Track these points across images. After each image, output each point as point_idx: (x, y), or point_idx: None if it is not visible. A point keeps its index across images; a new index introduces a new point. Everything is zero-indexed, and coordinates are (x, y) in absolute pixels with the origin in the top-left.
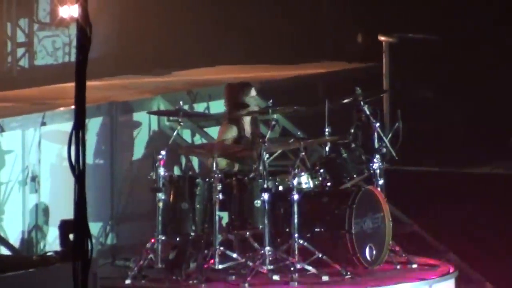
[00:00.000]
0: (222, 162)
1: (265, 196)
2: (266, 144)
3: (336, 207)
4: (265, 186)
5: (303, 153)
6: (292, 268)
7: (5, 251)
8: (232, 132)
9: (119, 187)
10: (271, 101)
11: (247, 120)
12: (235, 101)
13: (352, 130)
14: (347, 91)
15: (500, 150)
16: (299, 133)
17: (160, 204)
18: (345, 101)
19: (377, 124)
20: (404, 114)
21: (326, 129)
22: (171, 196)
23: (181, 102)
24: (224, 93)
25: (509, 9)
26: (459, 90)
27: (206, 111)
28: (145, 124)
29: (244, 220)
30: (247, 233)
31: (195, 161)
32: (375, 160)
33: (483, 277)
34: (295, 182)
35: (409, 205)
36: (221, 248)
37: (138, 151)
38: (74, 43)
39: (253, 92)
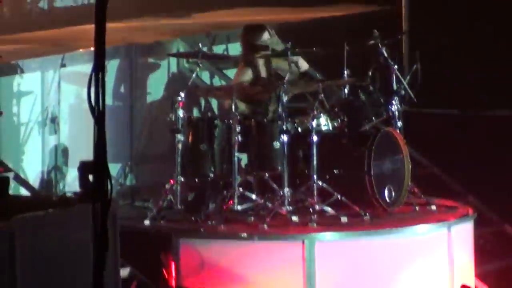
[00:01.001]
0: (241, 106)
1: (284, 137)
2: (284, 85)
3: (355, 149)
4: (284, 127)
5: (322, 95)
6: (311, 210)
7: (24, 192)
8: (248, 75)
9: (138, 128)
10: (289, 43)
11: (261, 62)
12: (249, 43)
13: (371, 73)
14: (365, 34)
15: None
16: (317, 75)
17: (179, 146)
18: (364, 43)
19: (396, 66)
20: (423, 56)
21: (345, 72)
22: (190, 138)
23: (200, 44)
24: (241, 36)
25: None
26: (479, 32)
27: (225, 53)
28: (164, 66)
29: (263, 162)
30: (266, 174)
31: (214, 103)
32: (393, 102)
33: (502, 219)
34: (314, 123)
35: (428, 147)
36: (240, 189)
37: (157, 93)
38: None
39: (265, 35)
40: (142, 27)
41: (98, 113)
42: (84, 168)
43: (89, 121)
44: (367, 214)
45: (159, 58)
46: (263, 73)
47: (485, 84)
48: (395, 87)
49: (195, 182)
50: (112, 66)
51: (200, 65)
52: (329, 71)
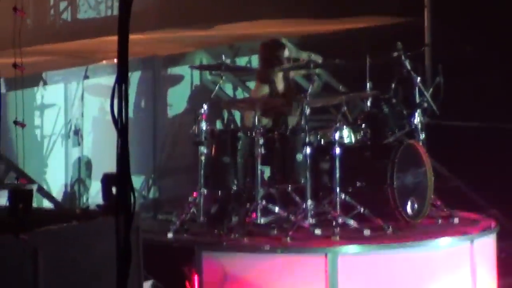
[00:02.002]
0: (264, 121)
1: (307, 150)
2: (308, 98)
3: (378, 161)
4: (307, 140)
5: (345, 108)
6: (334, 223)
7: (48, 204)
8: (264, 90)
9: (161, 141)
10: (312, 55)
11: (279, 77)
12: (271, 58)
13: (394, 85)
14: (388, 46)
15: None
16: (340, 87)
17: (202, 158)
18: (387, 56)
19: (419, 79)
20: (446, 69)
21: (368, 84)
22: (213, 150)
23: (223, 56)
24: (259, 52)
25: None
26: (501, 44)
27: (248, 65)
28: (187, 78)
29: (286, 174)
30: (289, 187)
31: (237, 115)
32: (416, 114)
33: None
34: (336, 136)
35: (451, 159)
36: (263, 202)
37: (180, 105)
38: None
39: (286, 53)
40: (165, 39)
41: (121, 125)
42: (107, 180)
43: (112, 133)
44: (390, 227)
45: (182, 70)
46: (281, 87)
47: (507, 96)
48: (417, 99)
49: (218, 195)
50: (135, 78)
51: (223, 77)
52: (352, 83)
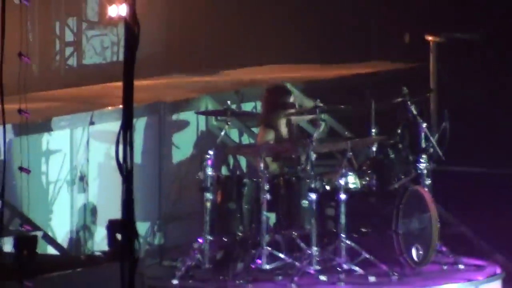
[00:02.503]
0: (273, 166)
1: (313, 196)
2: (313, 144)
3: (383, 207)
4: (313, 186)
5: (350, 153)
6: (339, 269)
7: (53, 251)
8: (270, 136)
9: (167, 187)
10: (318, 100)
11: (282, 123)
12: (274, 104)
13: (399, 130)
14: (394, 91)
15: None
16: (346, 133)
17: (208, 204)
18: (392, 101)
19: (424, 124)
20: (451, 114)
21: (373, 129)
22: (219, 196)
23: (228, 102)
24: (264, 97)
25: None
26: (506, 89)
27: (254, 111)
28: (193, 123)
29: (291, 220)
30: (294, 233)
31: (242, 161)
32: (422, 160)
33: None
34: (342, 182)
35: (456, 205)
36: (268, 248)
37: (186, 151)
38: (122, 42)
39: (291, 98)
40: (170, 84)
41: (126, 171)
42: (112, 227)
43: (118, 179)
44: (395, 273)
45: (188, 115)
46: (285, 133)
47: None
48: (423, 145)
49: (224, 241)
50: (140, 124)
51: (229, 123)
52: (357, 128)
